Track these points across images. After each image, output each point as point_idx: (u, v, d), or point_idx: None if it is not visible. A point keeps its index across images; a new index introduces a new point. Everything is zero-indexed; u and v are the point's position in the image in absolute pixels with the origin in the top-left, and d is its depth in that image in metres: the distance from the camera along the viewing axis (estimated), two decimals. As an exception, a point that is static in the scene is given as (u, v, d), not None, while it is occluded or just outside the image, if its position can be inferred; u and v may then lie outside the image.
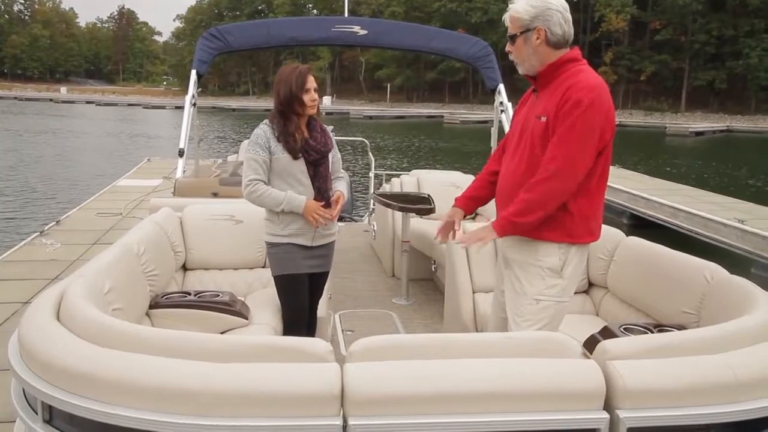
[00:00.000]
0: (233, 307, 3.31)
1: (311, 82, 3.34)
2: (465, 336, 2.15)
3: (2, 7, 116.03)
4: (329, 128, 3.65)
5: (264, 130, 3.36)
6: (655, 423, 1.90)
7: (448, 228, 3.17)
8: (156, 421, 1.79)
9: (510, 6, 2.79)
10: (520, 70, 2.85)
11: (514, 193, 2.84)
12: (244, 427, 1.79)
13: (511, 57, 2.84)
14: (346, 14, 7.41)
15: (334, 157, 3.56)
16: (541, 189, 2.65)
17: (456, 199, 3.22)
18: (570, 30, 2.75)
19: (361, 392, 1.84)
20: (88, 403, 1.85)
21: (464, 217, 3.19)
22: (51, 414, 1.97)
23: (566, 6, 2.75)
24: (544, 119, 2.69)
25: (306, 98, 3.31)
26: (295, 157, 3.32)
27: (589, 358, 2.08)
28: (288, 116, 3.33)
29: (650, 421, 1.90)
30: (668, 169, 22.23)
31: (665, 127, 47.09)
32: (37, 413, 1.98)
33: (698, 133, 44.59)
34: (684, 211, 10.66)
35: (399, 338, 2.07)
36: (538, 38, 2.71)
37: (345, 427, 1.81)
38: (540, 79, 2.80)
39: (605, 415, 1.90)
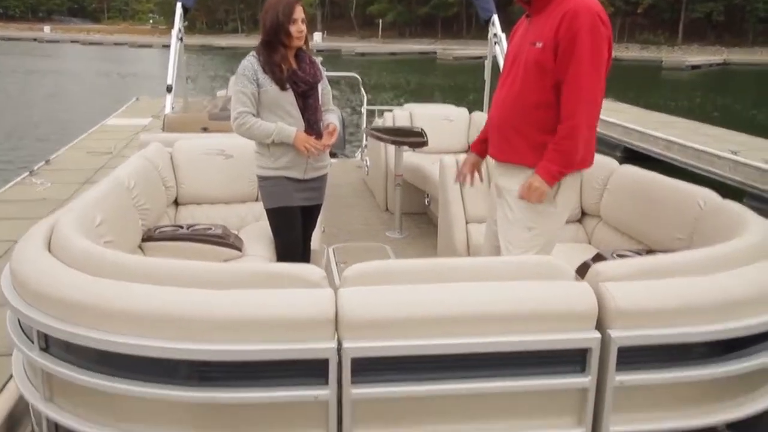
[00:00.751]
0: (226, 240, 3.31)
1: (299, 13, 3.24)
2: (458, 260, 2.16)
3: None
4: (318, 59, 3.56)
5: (251, 62, 3.28)
6: (645, 342, 1.93)
7: (470, 170, 3.17)
8: (152, 347, 1.80)
9: None
10: None
11: (505, 121, 2.80)
12: (241, 352, 1.80)
13: None
14: None
15: (324, 89, 3.49)
16: (576, 128, 2.62)
17: (471, 146, 3.20)
18: None
19: (354, 316, 1.85)
20: (83, 331, 1.86)
21: (480, 161, 3.19)
22: (47, 342, 1.98)
23: None
24: (539, 45, 2.63)
25: (293, 29, 3.22)
26: (283, 88, 3.26)
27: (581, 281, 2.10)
28: (274, 47, 3.25)
29: (640, 340, 1.93)
30: (664, 102, 22.05)
31: (661, 61, 46.47)
32: (33, 342, 1.99)
33: (694, 67, 44.02)
34: (677, 144, 10.63)
35: (392, 263, 2.08)
36: None
37: (339, 349, 1.83)
38: (535, 4, 2.72)
39: (597, 335, 1.92)
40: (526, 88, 2.70)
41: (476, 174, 3.22)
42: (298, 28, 3.24)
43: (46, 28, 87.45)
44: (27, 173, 7.66)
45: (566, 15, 2.56)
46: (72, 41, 71.57)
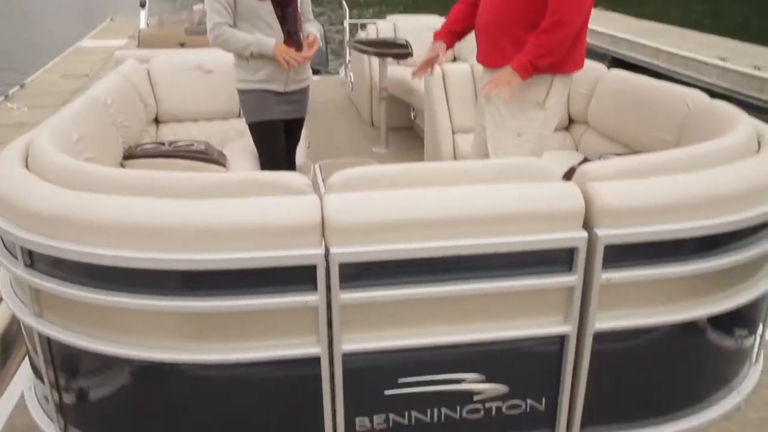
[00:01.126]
0: (210, 156, 3.26)
1: None
2: (444, 164, 2.13)
3: None
4: None
5: None
6: (632, 240, 1.94)
7: (429, 63, 3.05)
8: (138, 258, 1.78)
9: None
10: None
11: (494, 25, 2.72)
12: (228, 260, 1.79)
13: None
14: None
15: None
16: (559, 24, 2.55)
17: (435, 34, 3.07)
18: None
19: (341, 221, 1.84)
20: (68, 245, 1.83)
21: (446, 50, 3.07)
22: (31, 258, 1.96)
23: None
24: None
25: None
26: None
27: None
28: None
29: (627, 238, 1.93)
30: (656, 10, 21.56)
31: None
32: (18, 259, 1.98)
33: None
34: (665, 52, 10.48)
35: (378, 168, 2.04)
36: None
37: (327, 255, 1.82)
38: None
39: (584, 234, 1.93)
40: None
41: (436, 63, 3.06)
42: None
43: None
44: (2, 98, 7.47)
45: None
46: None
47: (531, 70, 2.62)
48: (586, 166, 2.10)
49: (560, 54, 2.62)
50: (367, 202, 1.89)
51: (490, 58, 2.80)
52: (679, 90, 3.08)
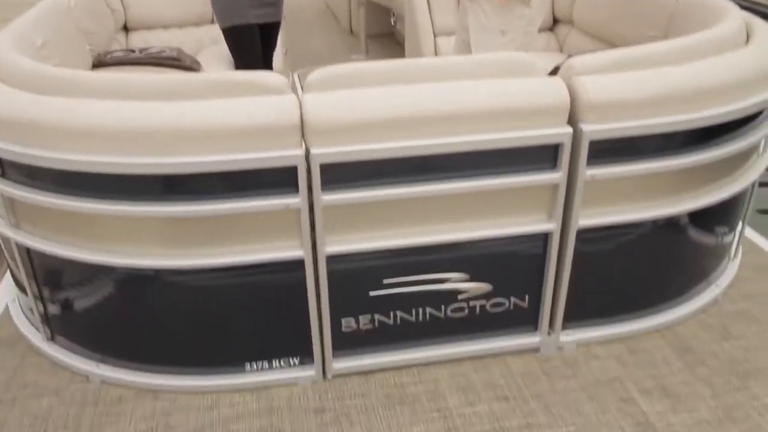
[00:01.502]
0: (183, 62, 3.15)
1: None
2: (427, 60, 2.06)
3: None
4: None
5: None
6: (616, 134, 1.91)
7: None
8: (113, 163, 1.73)
9: None
10: None
11: None
12: (207, 163, 1.75)
13: None
14: None
15: None
16: None
17: None
18: None
19: (320, 121, 1.78)
20: (39, 152, 1.77)
21: None
22: (2, 167, 1.90)
23: None
24: None
25: None
26: None
27: None
28: None
29: (612, 133, 1.91)
30: None
31: None
32: None
33: None
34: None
35: (356, 66, 1.96)
36: None
37: (308, 156, 1.78)
38: None
39: (569, 129, 1.89)
40: None
41: None
42: None
43: None
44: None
45: None
46: None
47: None
48: (572, 60, 2.04)
49: None
50: (347, 101, 1.83)
51: None
52: None
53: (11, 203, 1.95)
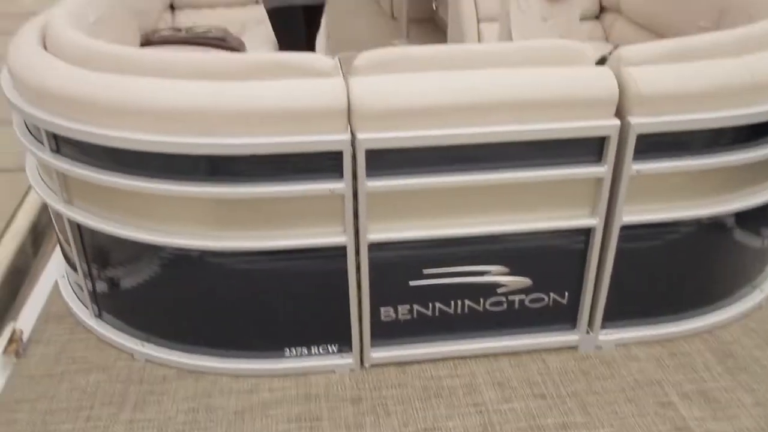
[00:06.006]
0: (228, 42, 3.17)
1: None
2: (476, 46, 2.04)
3: None
4: None
5: None
6: (666, 128, 1.87)
7: None
8: (164, 142, 1.75)
9: None
10: None
11: None
12: (253, 145, 1.76)
13: None
14: None
15: None
16: None
17: None
18: None
19: (368, 105, 1.78)
20: (93, 128, 1.80)
21: None
22: (57, 143, 1.95)
23: None
24: None
25: None
26: None
27: None
28: None
29: (661, 127, 1.86)
30: None
31: None
32: (44, 144, 1.96)
33: None
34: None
35: (404, 50, 1.95)
36: None
37: (353, 141, 1.78)
38: None
39: (616, 122, 1.86)
40: None
41: None
42: None
43: None
44: (9, -15, 7.23)
45: None
46: None
47: None
48: (622, 50, 1.99)
49: None
50: (394, 86, 1.82)
51: None
52: None
53: (65, 179, 2.00)
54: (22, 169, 2.29)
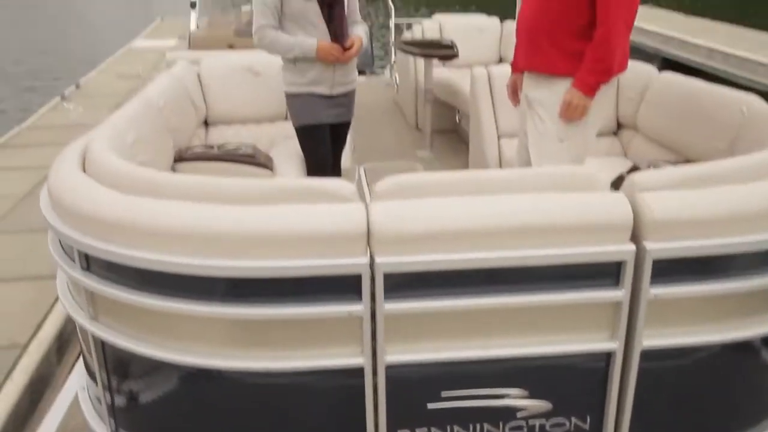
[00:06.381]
0: (257, 159, 3.31)
1: None
2: (489, 172, 2.12)
3: None
4: None
5: None
6: (682, 254, 1.89)
7: (512, 91, 3.09)
8: (188, 264, 1.82)
9: None
10: None
11: (536, 27, 2.69)
12: (274, 268, 1.82)
13: None
14: None
15: None
16: (611, 32, 2.50)
17: (512, 65, 3.04)
18: None
19: (387, 230, 1.84)
20: (123, 250, 1.88)
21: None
22: (88, 262, 2.03)
23: None
24: None
25: None
26: None
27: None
28: None
29: (677, 252, 1.88)
30: (706, 4, 20.91)
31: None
32: (75, 262, 2.04)
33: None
34: (719, 52, 10.16)
35: (423, 176, 2.04)
36: None
37: (372, 264, 1.83)
38: None
39: (632, 247, 1.88)
40: None
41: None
42: None
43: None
44: (58, 98, 7.70)
45: None
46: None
47: (598, 87, 2.59)
48: (636, 176, 2.05)
49: (618, 59, 2.58)
50: (413, 211, 1.88)
51: (533, 62, 2.76)
52: (733, 94, 2.98)
53: (92, 296, 2.07)
54: (54, 276, 2.37)
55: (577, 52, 2.59)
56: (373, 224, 1.84)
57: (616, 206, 1.91)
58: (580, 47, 2.58)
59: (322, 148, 3.45)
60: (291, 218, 1.84)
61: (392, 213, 1.87)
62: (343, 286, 1.85)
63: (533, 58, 2.75)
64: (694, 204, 1.92)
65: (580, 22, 2.58)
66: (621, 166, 3.37)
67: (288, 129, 3.94)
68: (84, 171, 2.20)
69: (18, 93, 11.64)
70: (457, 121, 5.88)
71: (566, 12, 2.59)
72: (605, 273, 1.92)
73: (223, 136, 4.00)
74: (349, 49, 3.27)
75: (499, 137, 3.91)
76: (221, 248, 1.82)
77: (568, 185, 2.00)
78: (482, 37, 6.15)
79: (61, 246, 2.17)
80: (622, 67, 2.66)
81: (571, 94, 2.59)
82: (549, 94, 2.70)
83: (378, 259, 1.82)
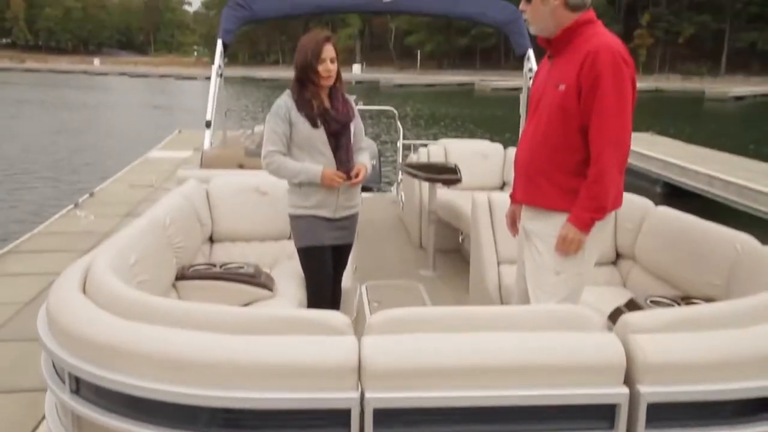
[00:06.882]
0: (258, 279, 3.35)
1: (328, 52, 3.27)
2: (483, 309, 2.14)
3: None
4: (351, 97, 3.62)
5: (284, 100, 3.36)
6: (676, 399, 1.88)
7: (512, 221, 3.17)
8: (177, 393, 1.82)
9: None
10: (532, 30, 2.79)
11: (532, 165, 2.79)
12: (264, 400, 1.82)
13: (525, 15, 2.77)
14: None
15: (356, 127, 3.53)
16: (604, 172, 2.58)
17: (511, 197, 3.13)
18: None
19: (378, 365, 1.85)
20: (113, 375, 1.89)
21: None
22: (78, 385, 2.02)
23: None
24: (562, 87, 2.62)
25: (321, 68, 3.26)
26: (315, 126, 3.30)
27: (610, 331, 2.06)
28: (305, 85, 3.31)
29: (671, 396, 1.87)
30: (706, 135, 21.64)
31: (704, 92, 45.73)
32: (64, 383, 2.04)
33: (738, 98, 43.21)
34: (720, 179, 10.41)
35: (417, 311, 2.07)
36: None
37: (362, 400, 1.82)
38: (555, 45, 2.73)
39: (625, 390, 1.88)
40: (551, 131, 2.69)
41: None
42: (326, 68, 3.28)
43: (96, 61, 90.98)
44: (72, 205, 7.90)
45: (588, 56, 2.55)
46: (120, 73, 74.15)
47: (593, 223, 2.65)
48: (629, 317, 2.07)
49: (612, 196, 2.65)
50: (404, 346, 1.90)
51: (530, 197, 2.85)
52: (727, 232, 3.05)
53: (78, 419, 2.05)
54: (42, 390, 2.34)
55: (573, 188, 2.68)
56: (364, 358, 1.85)
57: (609, 348, 1.92)
58: (576, 184, 2.67)
59: (323, 269, 3.50)
60: (282, 350, 1.86)
61: (384, 348, 1.88)
62: (333, 420, 1.84)
63: (530, 192, 2.83)
64: (688, 348, 1.92)
65: (575, 160, 2.67)
66: (619, 296, 3.38)
67: (291, 248, 4.00)
68: (84, 291, 2.25)
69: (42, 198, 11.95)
70: (461, 241, 5.96)
71: (562, 149, 2.69)
72: (599, 414, 1.90)
73: (227, 252, 4.07)
74: (353, 177, 3.39)
75: (499, 263, 3.96)
76: (211, 378, 1.83)
77: (560, 324, 2.02)
78: (486, 162, 6.36)
79: (54, 367, 2.17)
80: (617, 204, 2.74)
81: (566, 229, 2.66)
82: (546, 227, 2.76)
83: (368, 394, 1.82)
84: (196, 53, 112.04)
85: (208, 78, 6.56)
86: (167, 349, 1.87)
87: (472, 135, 22.15)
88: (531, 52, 6.93)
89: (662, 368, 1.89)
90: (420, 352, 1.88)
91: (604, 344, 1.94)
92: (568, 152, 2.68)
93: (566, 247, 2.67)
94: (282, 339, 1.90)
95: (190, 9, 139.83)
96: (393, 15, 55.11)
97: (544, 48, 2.83)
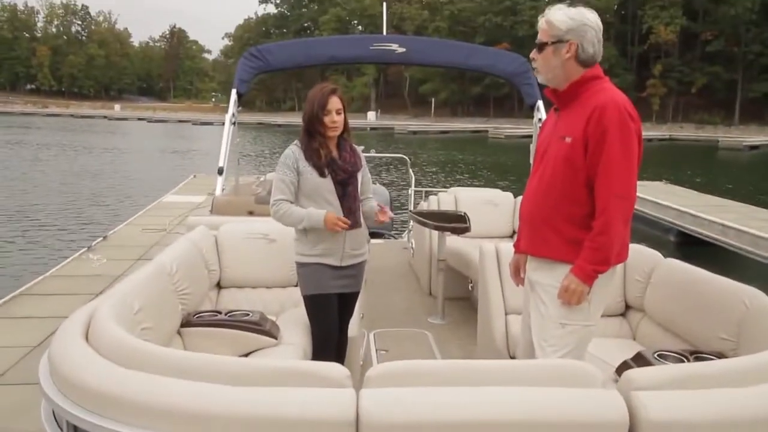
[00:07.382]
0: (263, 327, 3.34)
1: (333, 104, 3.34)
2: (484, 363, 2.12)
3: (61, 29, 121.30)
4: (359, 148, 3.66)
5: (293, 150, 3.41)
6: None
7: (515, 272, 3.14)
8: None
9: (546, 12, 2.72)
10: (540, 79, 2.81)
11: (537, 216, 2.79)
12: None
13: (534, 64, 2.80)
14: (384, 32, 7.46)
15: (364, 177, 3.57)
16: (610, 224, 2.58)
17: (515, 246, 3.13)
18: (600, 50, 2.71)
19: (375, 419, 1.83)
20: (110, 424, 1.88)
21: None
22: None
23: (601, 26, 2.71)
24: (569, 140, 2.64)
25: (326, 120, 3.33)
26: (322, 175, 3.35)
27: (614, 387, 2.03)
28: (312, 135, 3.38)
29: None
30: (720, 184, 21.58)
31: (718, 141, 45.75)
32: (63, 431, 2.03)
33: (753, 147, 43.16)
34: (733, 229, 10.33)
35: (416, 364, 2.05)
36: (568, 52, 2.66)
37: None
38: (562, 98, 2.76)
39: None
40: (556, 181, 2.70)
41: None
42: (331, 119, 3.34)
43: (117, 107, 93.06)
44: (85, 249, 7.98)
45: (595, 111, 2.57)
46: (139, 119, 75.65)
47: (596, 275, 2.63)
48: (632, 373, 2.05)
49: (616, 249, 2.63)
50: (403, 400, 1.88)
51: (535, 248, 2.84)
52: (735, 286, 3.01)
53: None
54: None
55: (577, 239, 2.67)
56: (362, 412, 1.83)
57: (612, 405, 1.89)
58: (581, 235, 2.66)
59: (329, 317, 3.49)
60: (280, 402, 1.85)
61: (382, 401, 1.86)
62: None
63: (535, 242, 2.83)
64: (691, 406, 1.89)
65: (580, 212, 2.67)
66: (628, 349, 3.34)
67: (297, 295, 3.99)
68: (87, 338, 2.25)
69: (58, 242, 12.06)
70: (470, 289, 5.93)
71: (566, 201, 2.70)
72: None
73: (234, 299, 4.07)
74: (381, 214, 3.42)
75: (506, 313, 3.92)
76: (208, 429, 1.82)
77: (562, 379, 1.99)
78: (496, 210, 6.37)
79: (54, 415, 2.17)
80: (621, 257, 2.72)
81: (569, 280, 2.64)
82: (550, 278, 2.75)
83: None
84: (213, 99, 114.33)
85: (224, 124, 6.68)
86: (165, 400, 1.87)
87: (486, 181, 22.24)
88: (540, 103, 7.00)
89: (665, 426, 1.86)
90: (418, 406, 1.86)
91: (606, 401, 1.91)
92: (574, 204, 2.68)
93: (568, 298, 2.65)
94: (280, 391, 1.89)
95: (210, 56, 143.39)
96: (406, 66, 56.10)
97: (551, 100, 2.86)
